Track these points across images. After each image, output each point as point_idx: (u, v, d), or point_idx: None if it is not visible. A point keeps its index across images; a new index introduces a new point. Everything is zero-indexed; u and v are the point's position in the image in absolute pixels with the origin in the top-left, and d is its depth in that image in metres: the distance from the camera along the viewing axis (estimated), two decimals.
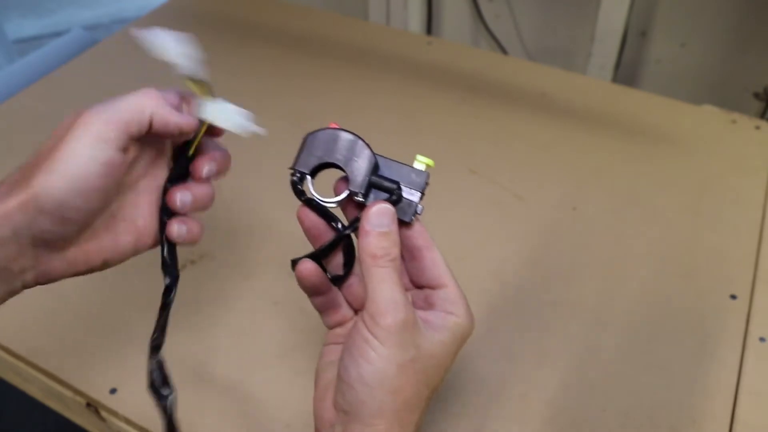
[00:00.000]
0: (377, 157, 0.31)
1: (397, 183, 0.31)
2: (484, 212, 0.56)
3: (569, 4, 1.00)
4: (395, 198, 0.30)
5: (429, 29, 1.12)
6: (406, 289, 0.32)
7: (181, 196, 0.32)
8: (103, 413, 0.44)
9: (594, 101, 0.68)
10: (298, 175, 0.32)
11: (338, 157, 0.31)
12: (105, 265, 0.32)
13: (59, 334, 0.47)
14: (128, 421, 0.42)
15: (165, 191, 0.32)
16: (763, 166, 0.60)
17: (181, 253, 0.52)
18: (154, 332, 0.33)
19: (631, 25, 0.90)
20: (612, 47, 0.89)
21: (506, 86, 0.71)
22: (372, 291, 0.28)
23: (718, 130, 0.65)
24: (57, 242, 0.30)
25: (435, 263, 0.31)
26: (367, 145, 0.31)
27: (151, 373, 0.33)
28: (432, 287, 0.31)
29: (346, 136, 0.31)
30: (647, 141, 0.63)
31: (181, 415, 0.42)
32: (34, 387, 0.47)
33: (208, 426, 0.41)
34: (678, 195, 0.58)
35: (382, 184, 0.30)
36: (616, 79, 0.94)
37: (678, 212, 0.56)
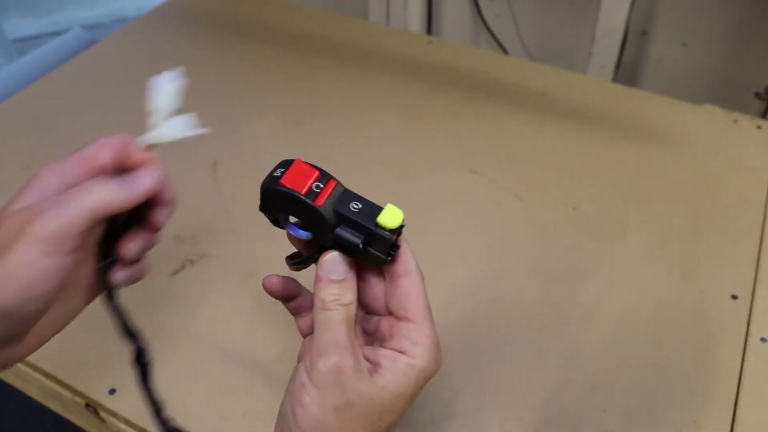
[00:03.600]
0: (349, 194, 0.30)
1: (366, 228, 0.28)
2: (484, 212, 0.56)
3: (570, 4, 1.00)
4: (360, 247, 0.28)
5: (429, 29, 1.12)
6: (377, 314, 0.31)
7: (131, 246, 0.30)
8: (103, 414, 0.43)
9: (595, 101, 0.68)
10: (272, 217, 0.31)
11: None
12: (59, 331, 0.31)
13: (58, 335, 0.47)
14: (127, 422, 0.42)
15: (104, 248, 0.30)
16: (764, 166, 0.60)
17: (181, 252, 0.52)
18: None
19: (631, 25, 0.90)
20: (613, 47, 0.89)
21: (507, 86, 0.70)
22: (316, 333, 0.28)
23: (720, 130, 0.65)
24: (10, 339, 0.28)
25: (407, 294, 0.29)
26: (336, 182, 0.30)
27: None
28: (398, 317, 0.29)
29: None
30: (648, 141, 0.63)
31: (181, 416, 0.42)
32: (33, 387, 0.47)
33: (207, 426, 0.41)
34: (679, 195, 0.57)
35: (344, 239, 0.29)
36: (616, 78, 0.94)
37: (679, 212, 0.56)
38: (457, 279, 0.50)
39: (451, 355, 0.45)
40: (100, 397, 0.43)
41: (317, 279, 0.29)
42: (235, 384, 0.44)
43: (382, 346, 0.29)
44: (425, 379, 0.29)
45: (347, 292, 0.28)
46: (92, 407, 0.44)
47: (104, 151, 0.29)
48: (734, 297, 0.49)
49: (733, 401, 0.42)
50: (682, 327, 0.47)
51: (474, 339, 0.46)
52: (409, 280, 0.29)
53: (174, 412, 0.42)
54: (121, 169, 0.30)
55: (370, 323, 0.32)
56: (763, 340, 0.46)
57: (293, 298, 0.34)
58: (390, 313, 0.30)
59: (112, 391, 0.43)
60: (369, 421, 0.27)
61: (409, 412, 0.42)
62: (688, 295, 0.49)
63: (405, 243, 0.30)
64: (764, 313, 0.48)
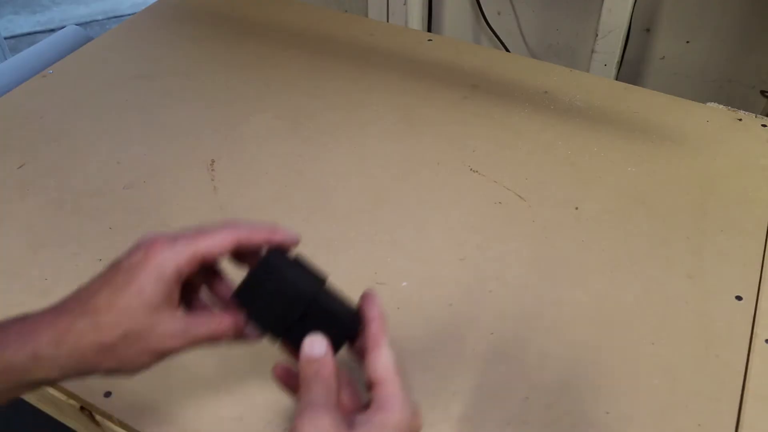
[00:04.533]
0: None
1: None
2: (486, 211, 0.56)
3: (572, 1, 0.99)
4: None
5: (429, 26, 1.11)
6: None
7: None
8: (98, 417, 0.43)
9: (597, 99, 0.68)
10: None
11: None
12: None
13: None
14: (123, 425, 0.42)
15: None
16: None
17: None
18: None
19: (635, 22, 0.90)
20: (616, 44, 0.88)
21: (508, 84, 0.70)
22: (298, 395, 0.31)
23: (724, 128, 0.64)
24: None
25: (374, 362, 0.32)
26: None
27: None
28: (371, 386, 0.32)
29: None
30: (651, 139, 0.63)
31: (181, 416, 0.41)
32: None
33: (204, 429, 0.41)
34: (682, 194, 0.57)
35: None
36: (619, 76, 0.93)
37: (682, 211, 0.55)
38: (457, 279, 0.50)
39: (451, 357, 0.45)
40: (95, 400, 0.42)
41: (300, 358, 0.32)
42: (234, 384, 0.43)
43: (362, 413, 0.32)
44: (399, 430, 0.30)
45: (323, 366, 0.31)
46: (87, 410, 0.43)
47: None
48: (739, 298, 0.48)
49: (738, 403, 0.42)
50: (686, 328, 0.46)
51: (474, 339, 0.46)
52: (376, 350, 0.32)
53: (170, 414, 0.42)
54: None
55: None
56: (767, 341, 0.45)
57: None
58: (367, 387, 0.32)
59: (108, 394, 0.43)
60: None
61: None
62: (692, 295, 0.48)
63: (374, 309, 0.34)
64: None
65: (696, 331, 0.46)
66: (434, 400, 0.42)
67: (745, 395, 0.42)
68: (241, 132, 0.64)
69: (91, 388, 0.43)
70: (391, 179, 0.59)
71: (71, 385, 0.43)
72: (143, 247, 0.32)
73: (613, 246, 0.52)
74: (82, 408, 0.43)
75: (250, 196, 0.57)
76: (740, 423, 0.41)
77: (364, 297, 0.34)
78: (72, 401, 0.44)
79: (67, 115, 0.66)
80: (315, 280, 0.34)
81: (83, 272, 0.48)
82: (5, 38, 1.63)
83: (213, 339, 0.33)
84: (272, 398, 0.42)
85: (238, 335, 0.34)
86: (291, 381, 0.34)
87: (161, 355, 0.32)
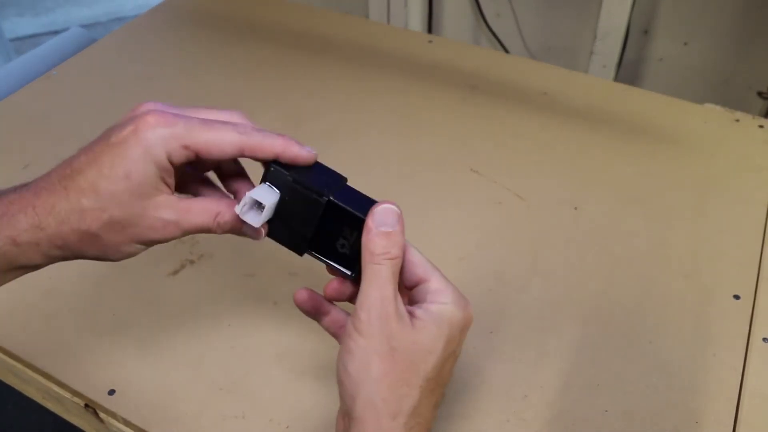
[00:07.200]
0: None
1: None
2: (485, 212, 0.56)
3: (571, 3, 1.00)
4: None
5: (430, 28, 1.12)
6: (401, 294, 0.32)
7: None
8: (102, 414, 0.43)
9: (596, 100, 0.68)
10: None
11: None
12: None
13: (57, 335, 0.47)
14: (127, 423, 0.42)
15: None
16: (766, 165, 0.60)
17: (181, 252, 0.52)
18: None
19: (633, 23, 0.90)
20: (614, 45, 0.89)
21: (508, 85, 0.70)
22: (363, 285, 0.29)
23: (721, 129, 0.64)
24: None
25: (412, 263, 0.31)
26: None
27: None
28: (414, 285, 0.31)
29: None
30: (649, 140, 0.63)
31: (180, 416, 0.42)
32: (32, 388, 0.47)
33: (207, 426, 0.41)
34: (680, 194, 0.57)
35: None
36: (618, 77, 0.94)
37: (680, 212, 0.56)
38: (457, 279, 0.50)
39: None
40: (100, 397, 0.43)
41: (367, 230, 0.29)
42: (235, 384, 0.43)
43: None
44: (457, 321, 0.30)
45: (394, 246, 0.29)
46: (91, 408, 0.43)
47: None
48: (736, 297, 0.48)
49: (736, 402, 0.42)
50: (684, 327, 0.47)
51: (474, 339, 0.46)
52: (409, 252, 0.31)
53: (173, 412, 0.42)
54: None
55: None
56: (765, 340, 0.46)
57: (324, 315, 0.34)
58: (408, 289, 0.32)
59: (112, 392, 0.43)
60: (413, 363, 0.28)
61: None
62: (690, 294, 0.49)
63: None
64: (767, 313, 0.47)
65: (694, 330, 0.46)
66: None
67: (742, 393, 0.43)
68: None
69: (95, 386, 0.43)
70: (391, 179, 0.59)
71: (76, 383, 0.44)
72: (135, 120, 0.28)
73: (611, 246, 0.53)
74: (86, 406, 0.44)
75: None
76: (738, 421, 0.41)
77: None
78: (76, 399, 0.44)
79: (71, 117, 0.66)
80: (333, 181, 0.32)
81: (87, 271, 0.49)
82: (9, 40, 1.64)
83: (207, 230, 0.30)
84: (275, 396, 0.43)
85: (236, 229, 0.31)
86: (315, 306, 0.33)
87: (149, 244, 0.30)
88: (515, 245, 0.53)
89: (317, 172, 0.32)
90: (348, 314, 0.33)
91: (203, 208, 0.30)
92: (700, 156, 0.61)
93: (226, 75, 0.73)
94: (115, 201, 0.28)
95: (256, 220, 0.30)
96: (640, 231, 0.54)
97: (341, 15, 0.82)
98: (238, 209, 0.30)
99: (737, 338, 0.46)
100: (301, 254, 0.32)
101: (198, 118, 0.29)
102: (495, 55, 0.77)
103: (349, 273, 0.32)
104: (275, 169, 0.31)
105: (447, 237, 0.54)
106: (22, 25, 2.06)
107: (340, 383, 0.29)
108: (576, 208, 0.56)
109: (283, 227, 0.31)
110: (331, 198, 0.31)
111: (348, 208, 0.30)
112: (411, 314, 0.30)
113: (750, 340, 0.46)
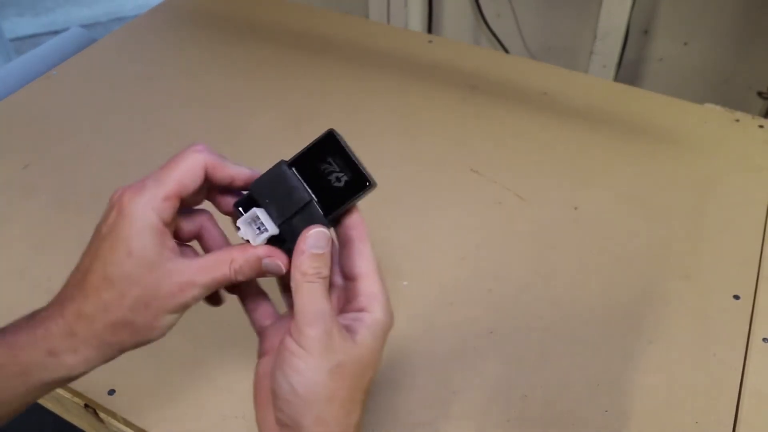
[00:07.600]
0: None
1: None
2: (486, 212, 0.56)
3: (571, 3, 1.00)
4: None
5: (430, 28, 1.12)
6: (333, 284, 0.33)
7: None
8: (102, 414, 0.43)
9: (596, 100, 0.68)
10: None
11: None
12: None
13: None
14: (127, 423, 0.42)
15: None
16: (766, 165, 0.60)
17: None
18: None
19: (633, 23, 0.90)
20: (614, 45, 0.89)
21: (508, 85, 0.70)
22: (300, 304, 0.29)
23: (721, 129, 0.64)
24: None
25: (361, 254, 0.31)
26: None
27: None
28: (354, 277, 0.31)
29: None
30: (649, 140, 0.63)
31: (180, 417, 0.42)
32: None
33: (208, 426, 0.41)
34: (680, 194, 0.57)
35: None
36: (618, 77, 0.94)
37: (680, 212, 0.56)
38: (457, 279, 0.50)
39: (452, 355, 0.45)
40: (99, 397, 0.43)
41: (299, 252, 0.30)
42: (235, 384, 0.43)
43: (344, 310, 0.32)
44: (385, 332, 0.31)
45: (325, 266, 0.30)
46: (91, 408, 0.43)
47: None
48: (736, 297, 0.48)
49: (736, 401, 0.42)
50: (684, 327, 0.47)
51: (474, 339, 0.46)
52: (363, 243, 0.32)
53: (173, 412, 0.42)
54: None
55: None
56: (765, 340, 0.46)
57: (253, 296, 0.35)
58: (345, 277, 0.32)
59: (111, 392, 0.43)
60: (357, 378, 0.29)
61: (409, 411, 0.42)
62: (690, 295, 0.49)
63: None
64: (766, 313, 0.47)
65: (694, 329, 0.46)
66: (434, 398, 0.42)
67: (742, 393, 0.43)
68: (241, 133, 0.64)
69: (95, 386, 0.43)
70: (392, 179, 0.59)
71: (76, 383, 0.44)
72: (115, 205, 0.30)
73: (611, 245, 0.53)
74: (86, 406, 0.44)
75: None
76: (738, 421, 0.41)
77: None
78: (76, 399, 0.44)
79: (71, 116, 0.66)
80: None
81: None
82: (9, 40, 1.64)
83: (228, 280, 0.31)
84: None
85: (256, 268, 0.31)
86: (256, 274, 0.32)
87: (179, 310, 0.30)
88: (515, 245, 0.53)
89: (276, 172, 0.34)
90: (273, 303, 0.35)
91: (216, 260, 0.31)
92: (700, 156, 0.61)
93: (226, 75, 0.73)
94: (129, 281, 0.29)
95: (260, 235, 0.32)
96: (640, 231, 0.54)
97: (341, 15, 0.82)
98: (240, 234, 0.32)
99: (737, 338, 0.46)
100: (327, 227, 0.32)
101: (159, 169, 0.31)
102: (495, 55, 0.77)
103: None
104: (253, 185, 0.33)
105: (447, 237, 0.54)
106: (22, 25, 2.06)
107: (285, 402, 0.29)
108: (576, 208, 0.56)
109: (288, 226, 0.32)
110: (289, 160, 0.33)
111: (305, 148, 0.34)
112: (348, 328, 0.30)
113: (750, 340, 0.46)
